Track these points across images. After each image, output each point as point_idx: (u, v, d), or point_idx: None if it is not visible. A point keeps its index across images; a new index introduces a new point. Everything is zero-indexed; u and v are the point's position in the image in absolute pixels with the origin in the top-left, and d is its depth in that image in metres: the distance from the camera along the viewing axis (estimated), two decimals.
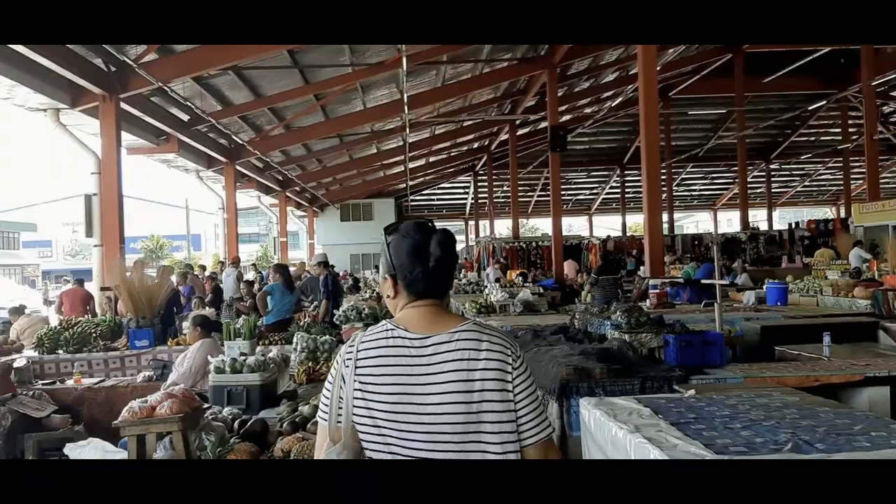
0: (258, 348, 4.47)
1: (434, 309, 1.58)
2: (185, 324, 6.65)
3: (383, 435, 1.48)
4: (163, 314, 7.13)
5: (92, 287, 10.68)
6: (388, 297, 1.63)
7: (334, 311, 8.27)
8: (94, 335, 7.05)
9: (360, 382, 1.50)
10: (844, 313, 7.66)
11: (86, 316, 8.40)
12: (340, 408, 1.51)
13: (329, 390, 1.55)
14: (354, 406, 1.49)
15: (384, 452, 1.48)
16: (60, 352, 6.71)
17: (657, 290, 9.06)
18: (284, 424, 2.86)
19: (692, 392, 3.45)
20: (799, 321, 6.82)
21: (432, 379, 1.47)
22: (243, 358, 3.72)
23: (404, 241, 1.59)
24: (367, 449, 1.49)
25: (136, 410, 2.79)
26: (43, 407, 5.08)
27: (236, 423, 3.02)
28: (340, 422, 1.50)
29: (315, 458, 1.56)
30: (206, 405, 3.34)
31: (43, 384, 5.86)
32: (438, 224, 1.68)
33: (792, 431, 2.62)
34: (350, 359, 1.53)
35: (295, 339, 5.15)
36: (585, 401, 3.33)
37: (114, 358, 6.67)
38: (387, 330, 1.55)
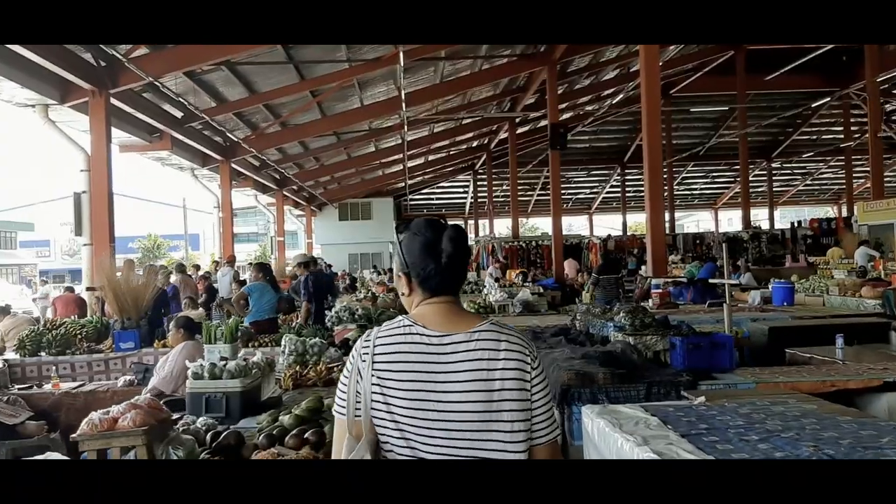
0: (241, 351, 4.20)
1: (450, 306, 1.59)
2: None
3: (401, 430, 1.48)
4: (150, 315, 6.88)
5: (82, 287, 10.46)
6: (403, 294, 1.65)
7: (326, 311, 8.01)
8: (79, 336, 6.81)
9: (377, 377, 1.50)
10: (853, 314, 7.47)
11: (71, 317, 8.16)
12: (358, 402, 1.51)
13: (345, 384, 1.55)
14: (372, 401, 1.50)
15: (403, 447, 1.48)
16: (43, 354, 6.46)
17: (660, 290, 8.86)
18: (261, 437, 2.63)
19: (702, 399, 3.24)
20: (807, 322, 6.61)
21: (451, 377, 1.48)
22: (223, 363, 3.48)
23: (416, 238, 1.60)
24: (384, 444, 1.50)
25: (95, 423, 2.56)
26: (17, 413, 4.83)
27: (209, 436, 2.78)
28: (359, 416, 1.50)
29: (333, 450, 1.57)
30: (175, 416, 3.11)
31: (19, 389, 5.59)
32: None
33: (814, 445, 2.41)
34: (367, 353, 1.53)
35: (283, 342, 4.91)
36: (588, 409, 3.12)
37: (98, 360, 6.41)
38: (404, 326, 1.55)
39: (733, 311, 7.71)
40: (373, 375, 1.50)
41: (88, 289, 8.72)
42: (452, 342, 1.52)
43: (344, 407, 1.53)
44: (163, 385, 4.42)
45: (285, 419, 2.77)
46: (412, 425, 1.48)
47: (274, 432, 2.63)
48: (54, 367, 6.04)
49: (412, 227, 1.62)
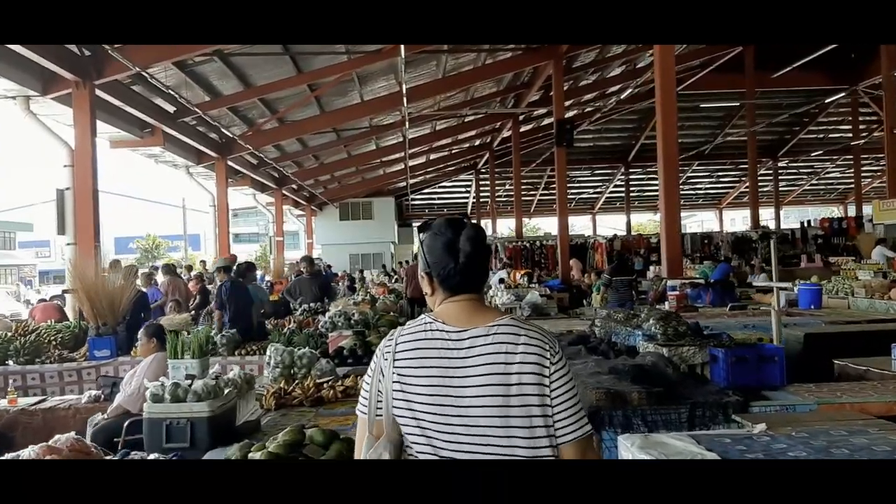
0: (215, 366, 3.65)
1: (471, 303, 1.58)
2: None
3: (422, 427, 1.48)
4: (128, 320, 6.33)
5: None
6: (427, 294, 1.65)
7: (309, 314, 7.42)
8: (52, 343, 6.26)
9: (398, 375, 1.51)
10: (890, 318, 6.93)
11: (48, 321, 7.60)
12: (380, 401, 1.52)
13: (368, 384, 1.57)
14: (393, 399, 1.51)
15: (423, 444, 1.48)
16: (10, 362, 5.90)
17: (677, 292, 8.35)
18: None
19: (762, 427, 2.69)
20: (845, 328, 6.09)
21: (470, 372, 1.48)
22: (189, 381, 2.94)
23: (436, 238, 1.61)
24: (407, 442, 1.49)
25: None
26: None
27: None
28: (380, 415, 1.51)
29: (356, 449, 1.58)
30: (111, 457, 2.56)
31: None
32: None
33: None
34: (389, 351, 1.54)
35: (269, 352, 4.35)
36: (627, 440, 2.58)
37: (70, 370, 5.85)
38: (425, 323, 1.56)
39: (756, 315, 7.23)
40: (394, 373, 1.51)
41: (65, 291, 8.17)
42: (470, 336, 1.51)
43: (366, 406, 1.54)
44: (129, 403, 3.89)
45: (258, 456, 2.24)
46: (432, 422, 1.47)
47: None
48: (14, 379, 5.43)
49: (433, 227, 1.63)
